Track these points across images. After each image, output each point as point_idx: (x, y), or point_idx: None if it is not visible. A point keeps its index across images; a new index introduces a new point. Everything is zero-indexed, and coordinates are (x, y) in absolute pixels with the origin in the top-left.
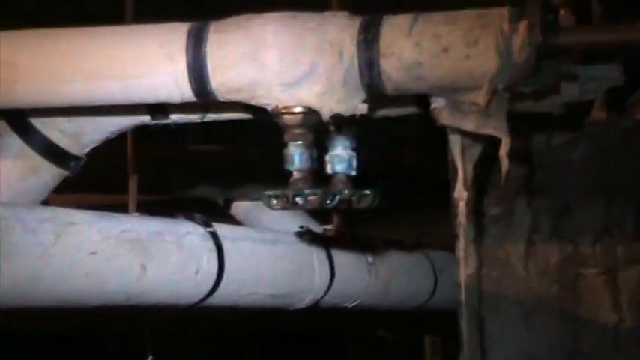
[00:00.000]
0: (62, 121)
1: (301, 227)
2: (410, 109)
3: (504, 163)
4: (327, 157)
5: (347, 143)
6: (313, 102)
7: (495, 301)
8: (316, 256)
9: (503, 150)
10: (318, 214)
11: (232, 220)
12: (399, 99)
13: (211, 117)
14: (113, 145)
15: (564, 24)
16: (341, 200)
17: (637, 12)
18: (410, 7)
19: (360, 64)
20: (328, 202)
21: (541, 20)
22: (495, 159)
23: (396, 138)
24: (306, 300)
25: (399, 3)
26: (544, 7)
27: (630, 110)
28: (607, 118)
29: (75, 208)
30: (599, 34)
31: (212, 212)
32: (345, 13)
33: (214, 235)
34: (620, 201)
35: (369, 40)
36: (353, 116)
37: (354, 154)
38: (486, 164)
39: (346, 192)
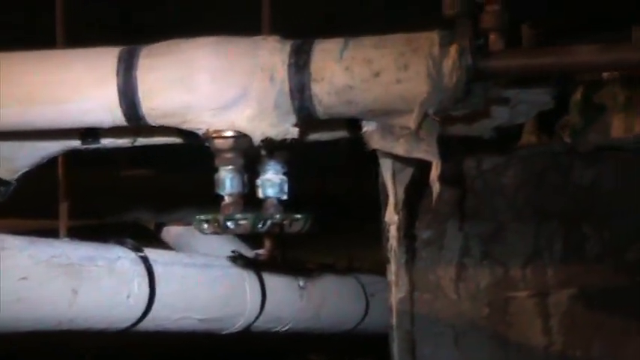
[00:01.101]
0: None
1: (233, 252)
2: (341, 133)
3: (435, 187)
4: (259, 182)
5: (278, 167)
6: (244, 126)
7: (427, 324)
8: (248, 281)
9: (434, 173)
10: (250, 238)
11: (164, 245)
12: (331, 123)
13: (142, 141)
14: (43, 169)
15: (494, 48)
16: (272, 224)
17: (569, 36)
18: (342, 31)
19: (291, 88)
20: (260, 226)
21: (471, 44)
22: (426, 183)
23: (327, 163)
24: (237, 324)
25: (331, 26)
26: (474, 31)
27: (560, 134)
28: (537, 142)
29: (5, 233)
30: (528, 58)
31: (143, 237)
32: (276, 37)
33: (145, 260)
34: (551, 224)
35: (300, 65)
36: (284, 140)
37: (285, 178)
38: (417, 188)
39: (277, 216)
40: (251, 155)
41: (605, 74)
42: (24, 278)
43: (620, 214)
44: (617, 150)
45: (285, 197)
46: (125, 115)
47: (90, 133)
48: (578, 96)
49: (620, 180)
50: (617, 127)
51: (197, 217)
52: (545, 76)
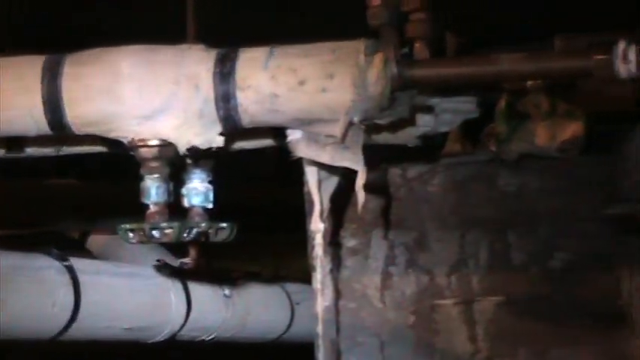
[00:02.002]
0: None
1: (158, 261)
2: (267, 142)
3: (360, 196)
4: (184, 190)
5: (203, 176)
6: (169, 135)
7: (352, 332)
8: (173, 290)
9: (360, 182)
10: (176, 247)
11: (89, 254)
12: (256, 131)
13: (67, 150)
14: None
15: (419, 56)
16: (198, 233)
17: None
18: (268, 39)
19: (216, 97)
20: (185, 235)
21: (396, 53)
22: (352, 191)
23: (253, 171)
24: (163, 333)
25: (257, 35)
26: (399, 40)
27: (485, 142)
28: (462, 150)
29: None
30: (452, 67)
31: (68, 246)
32: (202, 46)
33: (70, 269)
34: (476, 232)
35: (225, 73)
36: (209, 149)
37: (210, 186)
38: (343, 196)
39: (203, 225)
40: (177, 164)
41: (529, 83)
42: None
43: (545, 222)
44: (542, 158)
45: (210, 206)
46: (50, 123)
47: (15, 141)
48: (502, 104)
49: (545, 188)
50: (542, 135)
51: (122, 226)
52: (470, 84)
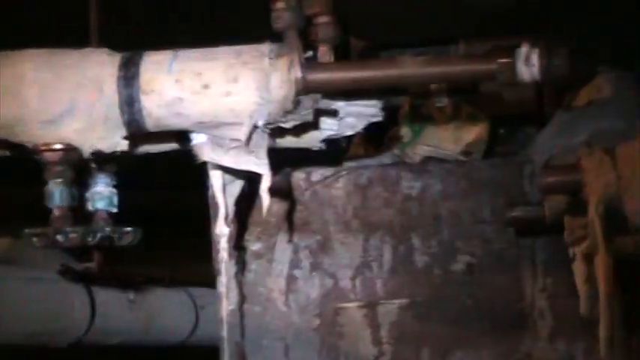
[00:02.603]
0: None
1: (62, 265)
2: (172, 145)
3: (265, 199)
4: (88, 194)
5: (108, 180)
6: (73, 139)
7: (257, 336)
8: (77, 295)
9: (264, 186)
10: (80, 251)
11: None
12: (161, 135)
13: None
14: None
15: (323, 60)
16: (102, 237)
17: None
18: (172, 43)
19: (120, 101)
20: (89, 239)
21: (300, 56)
22: (256, 195)
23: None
24: (67, 338)
25: (161, 38)
26: (303, 43)
27: (388, 145)
28: (366, 154)
29: None
30: (356, 70)
31: None
32: (106, 50)
33: None
34: (379, 236)
35: (129, 77)
36: (114, 153)
37: (114, 191)
38: (247, 200)
39: (107, 229)
40: (81, 168)
41: (433, 86)
42: None
43: (448, 225)
44: (445, 161)
45: (114, 210)
46: None
47: None
48: (406, 108)
49: (448, 191)
50: (445, 139)
51: (27, 230)
52: (374, 88)
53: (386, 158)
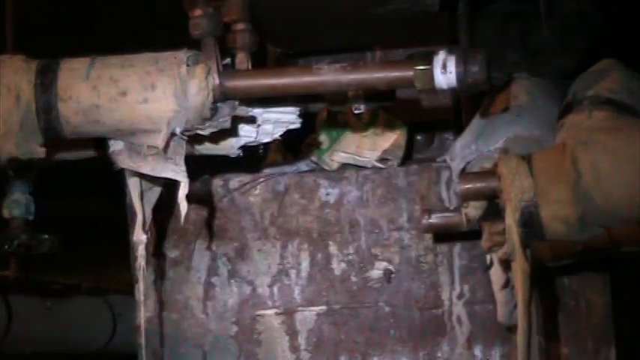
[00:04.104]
0: None
1: None
2: (89, 152)
3: (183, 206)
4: (5, 202)
5: (24, 188)
6: None
7: (175, 344)
8: None
9: (182, 193)
10: None
11: None
12: (79, 142)
13: None
14: None
15: (241, 67)
16: (19, 245)
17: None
18: (91, 50)
19: (37, 108)
20: (6, 246)
21: (218, 63)
22: (174, 202)
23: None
24: None
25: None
26: (221, 51)
27: (306, 152)
28: (283, 160)
29: None
30: (273, 77)
31: None
32: (22, 57)
33: None
34: (297, 243)
35: (46, 84)
36: (31, 160)
37: (31, 198)
38: (165, 207)
39: (24, 236)
40: None
41: (350, 93)
42: None
43: (365, 232)
44: (362, 168)
45: (31, 217)
46: None
47: None
48: (323, 115)
49: (365, 198)
50: (363, 145)
51: None
52: (292, 95)
53: (303, 165)
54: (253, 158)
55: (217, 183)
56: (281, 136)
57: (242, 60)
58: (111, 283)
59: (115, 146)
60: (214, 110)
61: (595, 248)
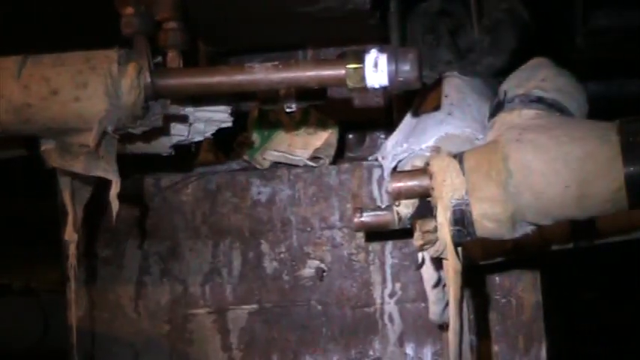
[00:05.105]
0: None
1: None
2: (20, 151)
3: (114, 205)
4: None
5: None
6: None
7: (106, 343)
8: None
9: (114, 191)
10: None
11: None
12: (9, 141)
13: None
14: None
15: (172, 65)
16: None
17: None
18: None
19: None
20: None
21: (149, 62)
22: (106, 201)
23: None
24: None
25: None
26: (152, 49)
27: (238, 151)
28: (215, 159)
29: None
30: (204, 76)
31: None
32: None
33: None
34: (229, 242)
35: None
36: None
37: None
38: (97, 206)
39: None
40: None
41: (282, 91)
42: None
43: (297, 231)
44: (294, 166)
45: None
46: None
47: None
48: (255, 113)
49: (296, 196)
50: (294, 144)
51: None
52: (223, 93)
53: (235, 164)
54: (185, 157)
55: (149, 182)
56: (213, 134)
57: (173, 58)
58: (43, 283)
59: (47, 145)
60: (146, 109)
61: (526, 246)
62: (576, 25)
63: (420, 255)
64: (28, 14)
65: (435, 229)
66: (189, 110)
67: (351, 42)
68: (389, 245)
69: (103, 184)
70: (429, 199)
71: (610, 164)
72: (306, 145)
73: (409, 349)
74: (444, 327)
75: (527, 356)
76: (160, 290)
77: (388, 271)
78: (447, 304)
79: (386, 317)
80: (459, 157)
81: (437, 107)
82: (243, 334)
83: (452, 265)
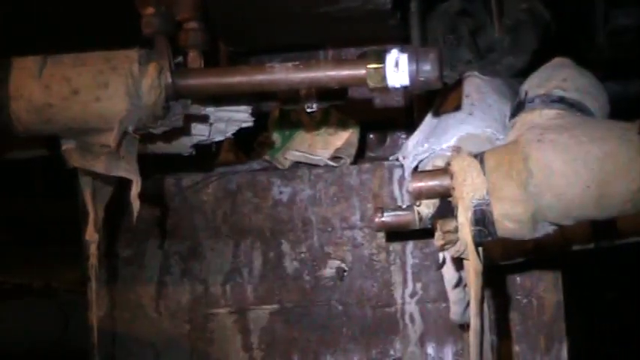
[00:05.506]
0: None
1: None
2: (42, 151)
3: (135, 205)
4: None
5: None
6: None
7: (127, 342)
8: None
9: (135, 191)
10: None
11: None
12: (31, 140)
13: None
14: None
15: (193, 65)
16: None
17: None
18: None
19: None
20: None
21: (170, 62)
22: (127, 201)
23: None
24: None
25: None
26: (173, 49)
27: (258, 151)
28: (235, 159)
29: None
30: (225, 76)
31: None
32: None
33: None
34: (249, 241)
35: None
36: None
37: None
38: (118, 206)
39: None
40: None
41: (302, 91)
42: None
43: (318, 231)
44: (315, 166)
45: None
46: None
47: None
48: (276, 113)
49: (317, 196)
50: (315, 144)
51: None
52: (244, 93)
53: (256, 164)
54: (206, 157)
55: (169, 182)
56: (233, 134)
57: (194, 58)
58: (63, 283)
59: (68, 145)
60: (167, 109)
61: (547, 246)
62: (597, 24)
63: (440, 255)
64: (53, 14)
65: (456, 229)
66: (209, 110)
67: (372, 42)
68: (410, 245)
69: (124, 184)
70: (449, 199)
71: (630, 164)
72: (326, 144)
73: (430, 349)
74: (464, 327)
75: (548, 356)
76: (181, 290)
77: (409, 271)
78: (467, 304)
79: (407, 317)
80: (479, 157)
81: (458, 107)
82: (264, 333)
83: (473, 266)
